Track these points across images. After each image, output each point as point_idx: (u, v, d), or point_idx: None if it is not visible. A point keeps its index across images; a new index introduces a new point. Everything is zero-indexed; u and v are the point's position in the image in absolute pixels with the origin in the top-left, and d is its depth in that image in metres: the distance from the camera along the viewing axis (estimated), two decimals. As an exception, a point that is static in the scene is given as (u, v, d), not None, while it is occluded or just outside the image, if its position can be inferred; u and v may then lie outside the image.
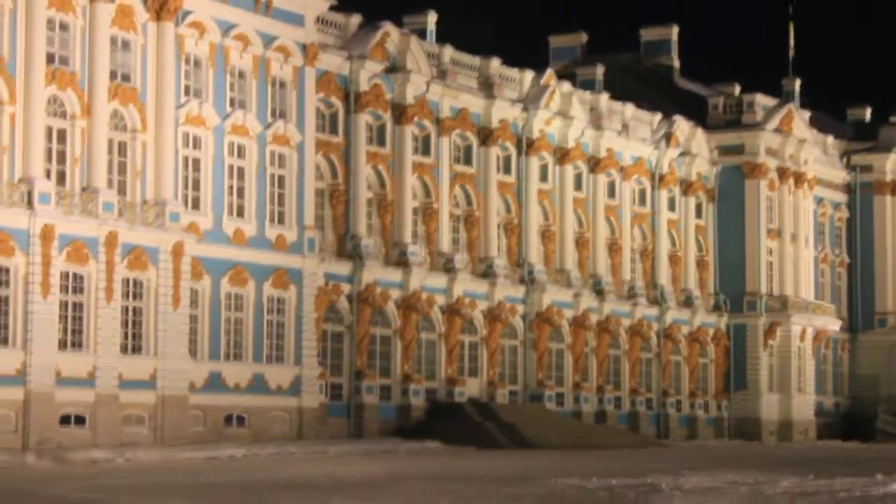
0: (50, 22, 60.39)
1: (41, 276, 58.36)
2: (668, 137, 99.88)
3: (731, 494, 42.28)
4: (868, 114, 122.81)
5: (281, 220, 71.37)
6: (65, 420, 59.48)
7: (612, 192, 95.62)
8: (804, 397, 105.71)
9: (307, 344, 71.80)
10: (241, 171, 69.69)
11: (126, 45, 63.83)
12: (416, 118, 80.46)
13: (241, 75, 69.82)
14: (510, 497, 38.93)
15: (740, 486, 45.71)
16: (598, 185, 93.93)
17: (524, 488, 43.09)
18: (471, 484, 44.94)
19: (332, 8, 75.34)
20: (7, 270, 57.88)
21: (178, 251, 64.06)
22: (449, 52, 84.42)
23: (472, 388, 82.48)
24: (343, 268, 75.29)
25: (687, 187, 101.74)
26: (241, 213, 69.46)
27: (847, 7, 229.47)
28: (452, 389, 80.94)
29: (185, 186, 66.64)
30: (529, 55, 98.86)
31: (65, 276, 59.79)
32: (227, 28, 68.71)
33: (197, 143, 67.58)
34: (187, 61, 67.06)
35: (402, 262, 78.62)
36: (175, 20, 65.28)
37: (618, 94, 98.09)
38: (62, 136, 61.17)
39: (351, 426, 74.68)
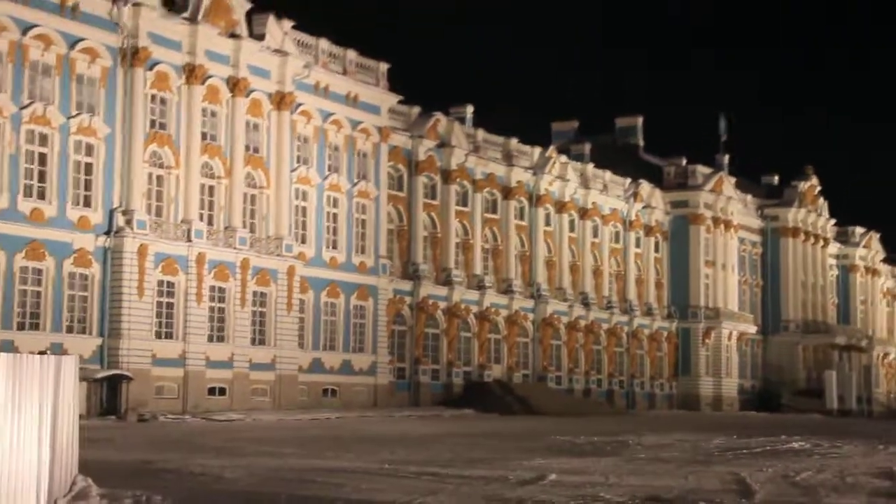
0: (203, 110, 60.66)
1: (196, 289, 58.58)
2: (635, 195, 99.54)
3: (678, 447, 42.35)
4: (776, 179, 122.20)
5: (363, 251, 71.34)
6: (211, 391, 59.68)
7: (595, 233, 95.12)
8: (730, 380, 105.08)
9: (381, 339, 71.67)
10: (335, 216, 69.79)
11: (256, 126, 64.05)
12: (458, 180, 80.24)
13: (336, 148, 69.93)
14: (523, 448, 38.93)
15: (685, 442, 45.84)
16: (585, 229, 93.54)
17: (533, 442, 43.17)
18: (495, 439, 45.03)
19: (399, 102, 75.27)
20: (172, 284, 58.03)
21: (291, 272, 64.18)
22: (481, 133, 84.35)
23: (496, 371, 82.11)
24: (406, 285, 75.20)
25: (648, 230, 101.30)
26: (335, 246, 69.53)
27: (767, 103, 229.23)
28: (482, 372, 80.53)
29: (297, 226, 66.70)
30: (537, 136, 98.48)
31: (212, 289, 59.86)
32: (326, 115, 68.99)
33: (305, 197, 67.65)
34: (298, 138, 67.19)
35: (447, 281, 78.39)
36: (290, 110, 65.59)
37: (600, 164, 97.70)
38: (211, 190, 61.33)
39: (411, 397, 74.45)
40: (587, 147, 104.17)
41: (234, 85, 62.16)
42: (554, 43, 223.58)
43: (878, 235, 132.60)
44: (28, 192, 53.08)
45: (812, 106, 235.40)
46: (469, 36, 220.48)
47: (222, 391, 60.26)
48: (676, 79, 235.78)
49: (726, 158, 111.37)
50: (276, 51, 64.55)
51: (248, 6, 63.07)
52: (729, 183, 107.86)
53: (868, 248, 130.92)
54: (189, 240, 58.49)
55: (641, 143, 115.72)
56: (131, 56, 57.03)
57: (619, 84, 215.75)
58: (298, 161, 67.05)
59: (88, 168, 55.65)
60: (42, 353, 23.39)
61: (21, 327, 52.19)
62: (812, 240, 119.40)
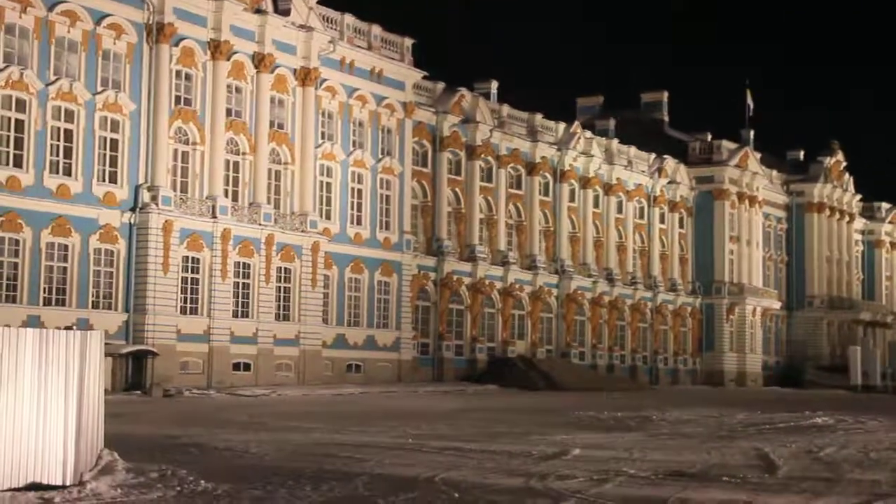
0: (228, 87, 60.80)
1: (221, 265, 58.79)
2: (660, 171, 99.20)
3: (702, 422, 42.34)
4: (802, 155, 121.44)
5: (387, 227, 71.37)
6: (236, 366, 59.90)
7: (620, 209, 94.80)
8: (754, 356, 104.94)
9: (404, 315, 71.75)
10: (359, 192, 69.82)
11: (281, 102, 64.09)
12: (482, 155, 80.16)
13: (361, 124, 69.91)
14: (546, 423, 38.96)
15: (708, 418, 45.80)
16: (610, 204, 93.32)
17: (556, 417, 43.18)
18: (518, 414, 45.09)
19: (424, 77, 75.17)
20: (197, 260, 58.26)
21: (315, 248, 64.30)
22: (506, 108, 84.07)
23: (520, 347, 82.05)
24: (430, 261, 75.25)
25: (673, 206, 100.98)
26: (359, 222, 69.56)
27: (788, 81, 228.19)
28: (506, 348, 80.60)
29: (321, 203, 66.80)
30: (562, 111, 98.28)
31: (237, 265, 60.03)
32: (351, 91, 68.99)
33: (329, 173, 67.74)
34: (323, 114, 67.20)
35: (471, 257, 78.36)
36: (315, 85, 65.60)
37: (624, 140, 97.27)
38: (236, 166, 61.42)
39: (434, 373, 74.54)
40: (612, 123, 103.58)
41: (260, 61, 62.18)
42: (562, 31, 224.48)
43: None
44: (54, 169, 53.37)
45: (837, 84, 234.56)
46: (487, 14, 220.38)
47: (247, 366, 60.43)
48: (684, 72, 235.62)
49: (752, 134, 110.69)
50: (302, 26, 64.52)
51: (275, -20, 63.30)
52: (754, 158, 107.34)
53: (894, 223, 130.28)
54: (214, 216, 58.63)
55: (666, 118, 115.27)
56: (157, 32, 57.14)
57: (625, 76, 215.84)
58: (323, 137, 67.08)
59: (114, 144, 55.80)
60: (68, 328, 23.54)
61: (47, 303, 52.54)
62: (837, 215, 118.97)
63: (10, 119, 51.86)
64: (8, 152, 51.68)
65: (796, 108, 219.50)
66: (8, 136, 51.73)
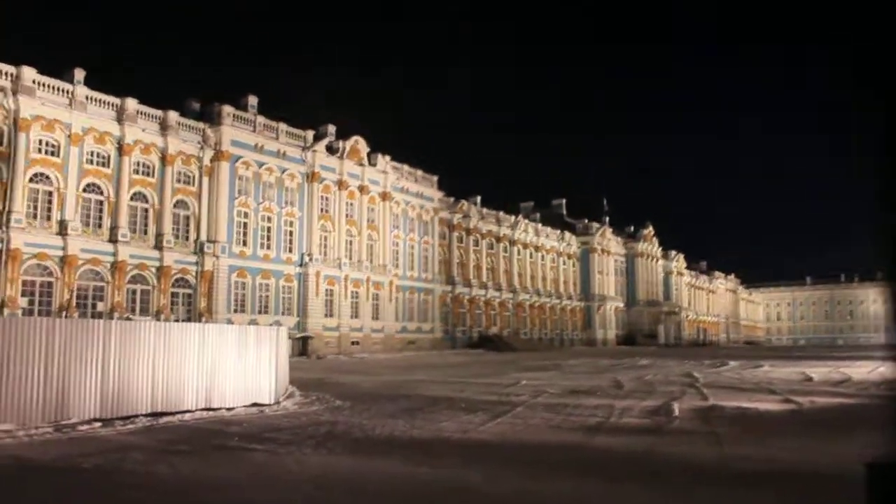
0: (346, 202, 60.59)
1: (343, 292, 58.66)
2: (562, 238, 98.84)
3: (586, 366, 41.93)
4: (633, 228, 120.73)
5: (426, 271, 70.98)
6: (352, 342, 59.50)
7: (542, 259, 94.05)
8: (611, 330, 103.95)
9: (436, 314, 71.10)
10: (412, 254, 69.41)
11: (372, 209, 63.85)
12: (473, 234, 79.71)
13: (412, 220, 69.68)
14: (508, 369, 38.65)
15: (588, 363, 45.40)
16: (537, 257, 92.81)
17: (513, 366, 42.74)
18: (493, 364, 44.84)
19: (444, 195, 74.91)
20: (332, 290, 58.07)
21: (391, 283, 64.07)
22: (485, 209, 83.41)
23: (495, 329, 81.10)
24: (448, 288, 74.56)
25: (568, 257, 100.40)
26: (412, 268, 69.23)
27: (633, 186, 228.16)
28: (488, 330, 79.65)
29: (393, 259, 66.66)
30: (512, 209, 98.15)
31: (352, 292, 59.92)
32: (407, 202, 68.83)
33: (397, 244, 67.51)
34: (393, 215, 67.02)
35: (469, 285, 77.68)
36: (389, 200, 65.51)
37: (544, 223, 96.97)
38: (350, 242, 60.90)
39: (451, 344, 73.49)
40: (538, 215, 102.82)
41: (361, 189, 62.48)
42: (513, 166, 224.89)
43: (682, 255, 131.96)
44: (262, 245, 53.76)
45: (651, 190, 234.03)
46: (477, 156, 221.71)
47: (357, 343, 60.08)
48: (573, 187, 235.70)
49: (607, 219, 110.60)
50: (382, 171, 64.90)
51: (368, 149, 63.45)
52: (608, 231, 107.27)
53: (678, 262, 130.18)
54: (340, 268, 58.73)
55: (565, 212, 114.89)
56: (311, 177, 57.69)
57: (544, 189, 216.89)
58: (394, 226, 67.15)
59: (291, 233, 56.19)
60: (270, 325, 23.86)
61: (259, 312, 52.66)
62: (650, 259, 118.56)
63: (241, 222, 52.40)
64: (240, 238, 52.20)
65: (630, 206, 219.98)
66: (238, 231, 52.25)
